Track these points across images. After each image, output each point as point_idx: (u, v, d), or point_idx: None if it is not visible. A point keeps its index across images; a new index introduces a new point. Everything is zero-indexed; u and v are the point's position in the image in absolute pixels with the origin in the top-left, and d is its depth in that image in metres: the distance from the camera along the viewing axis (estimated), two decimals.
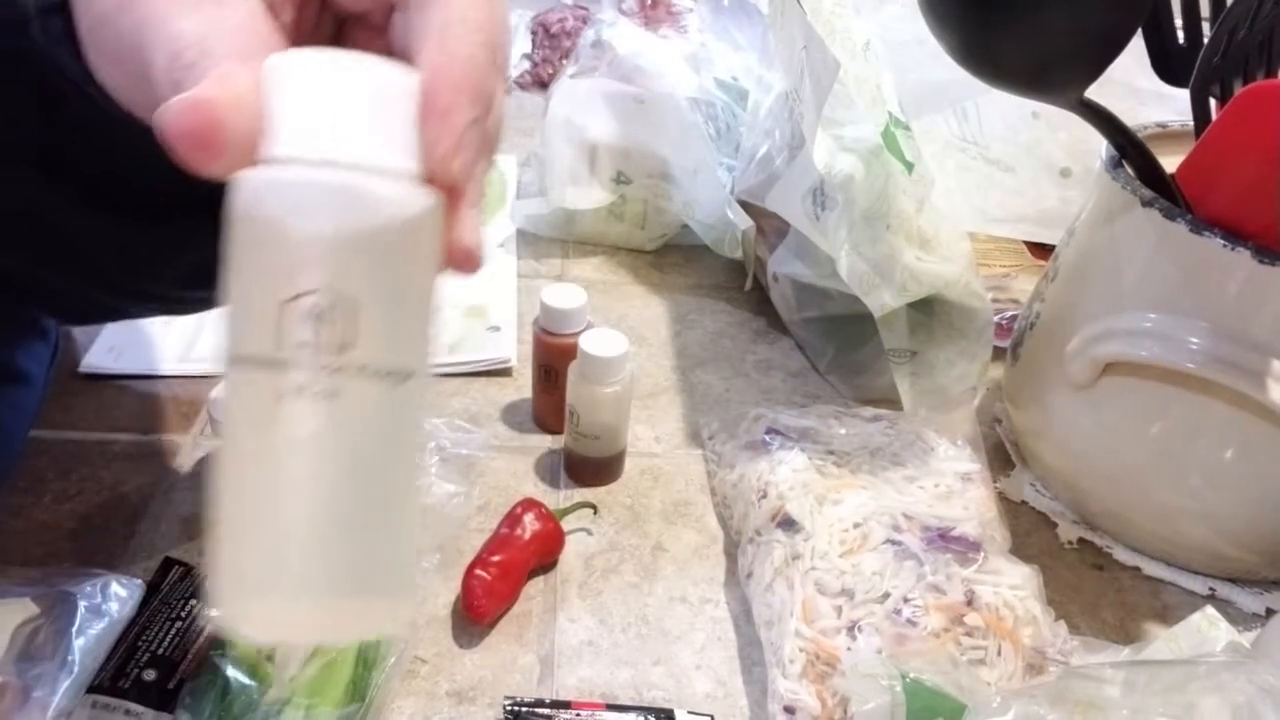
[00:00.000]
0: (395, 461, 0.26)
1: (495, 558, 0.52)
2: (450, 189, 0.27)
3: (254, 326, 0.24)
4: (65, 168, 0.38)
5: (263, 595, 0.24)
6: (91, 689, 0.44)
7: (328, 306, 0.24)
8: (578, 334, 0.58)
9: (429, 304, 0.27)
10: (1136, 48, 0.49)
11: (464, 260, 0.30)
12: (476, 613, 0.50)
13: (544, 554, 0.54)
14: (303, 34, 0.32)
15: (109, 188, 0.38)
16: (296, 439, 0.24)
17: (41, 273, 0.44)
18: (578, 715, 0.46)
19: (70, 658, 0.44)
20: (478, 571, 0.51)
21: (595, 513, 0.58)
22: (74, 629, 0.45)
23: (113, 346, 0.68)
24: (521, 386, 0.68)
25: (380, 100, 0.24)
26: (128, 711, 0.44)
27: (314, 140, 0.24)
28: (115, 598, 0.47)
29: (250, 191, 0.24)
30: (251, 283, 0.24)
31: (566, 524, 0.55)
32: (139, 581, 0.49)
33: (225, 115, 0.24)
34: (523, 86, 1.13)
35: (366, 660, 0.46)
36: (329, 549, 0.24)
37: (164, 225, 0.40)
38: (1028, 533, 0.60)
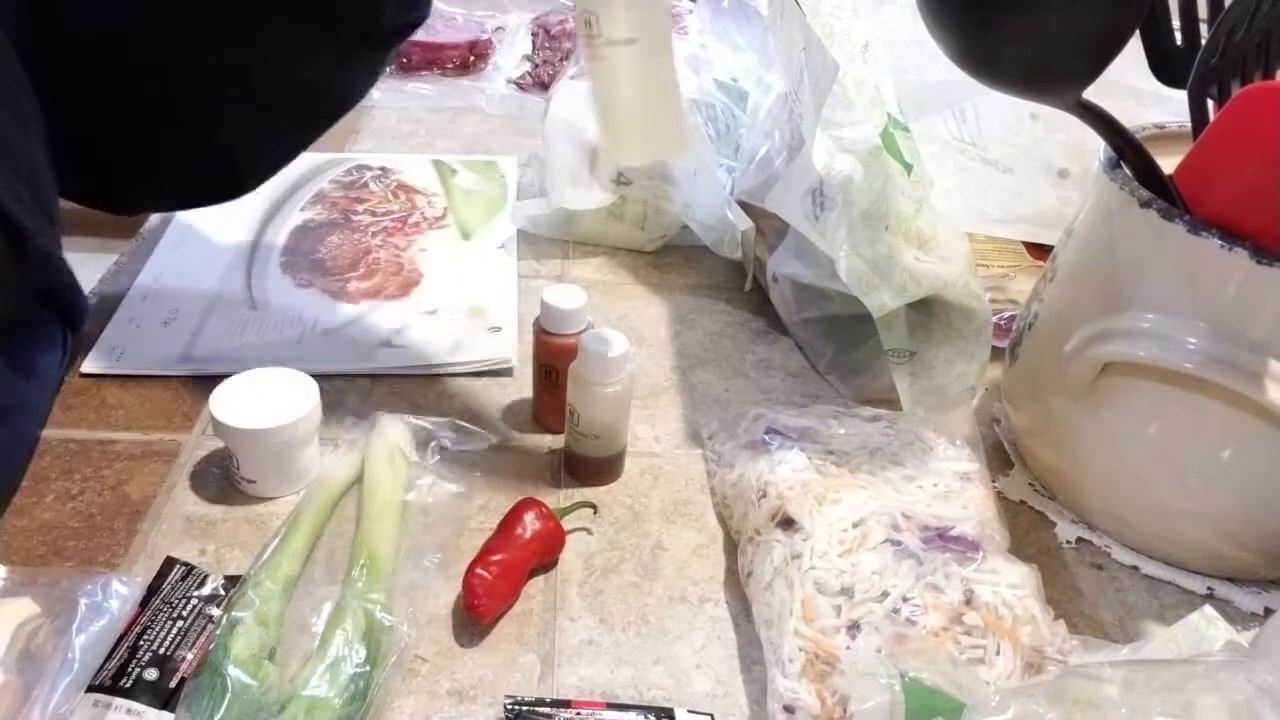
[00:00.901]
0: (651, 78, 0.51)
1: (496, 557, 0.52)
2: None
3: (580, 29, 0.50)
4: None
5: (626, 140, 0.53)
6: (93, 688, 0.44)
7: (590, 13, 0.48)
8: (578, 334, 0.59)
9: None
10: (1134, 49, 0.49)
11: None
12: (477, 612, 0.50)
13: (544, 553, 0.54)
14: None
15: None
16: (606, 73, 0.51)
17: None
18: (578, 714, 0.46)
19: (70, 656, 0.45)
20: (478, 571, 0.51)
21: (595, 512, 0.58)
22: (74, 628, 0.46)
23: (115, 346, 0.68)
24: (522, 386, 0.68)
25: None
26: (129, 710, 0.44)
27: None
28: (116, 596, 0.48)
29: None
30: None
31: (567, 523, 0.55)
32: (139, 580, 0.49)
33: None
34: (523, 88, 1.14)
35: (368, 659, 0.47)
36: (645, 116, 0.52)
37: None
38: (1026, 532, 0.60)
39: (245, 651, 0.46)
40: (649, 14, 0.48)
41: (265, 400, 0.56)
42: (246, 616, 0.48)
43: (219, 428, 0.55)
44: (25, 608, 0.46)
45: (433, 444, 0.60)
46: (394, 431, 0.59)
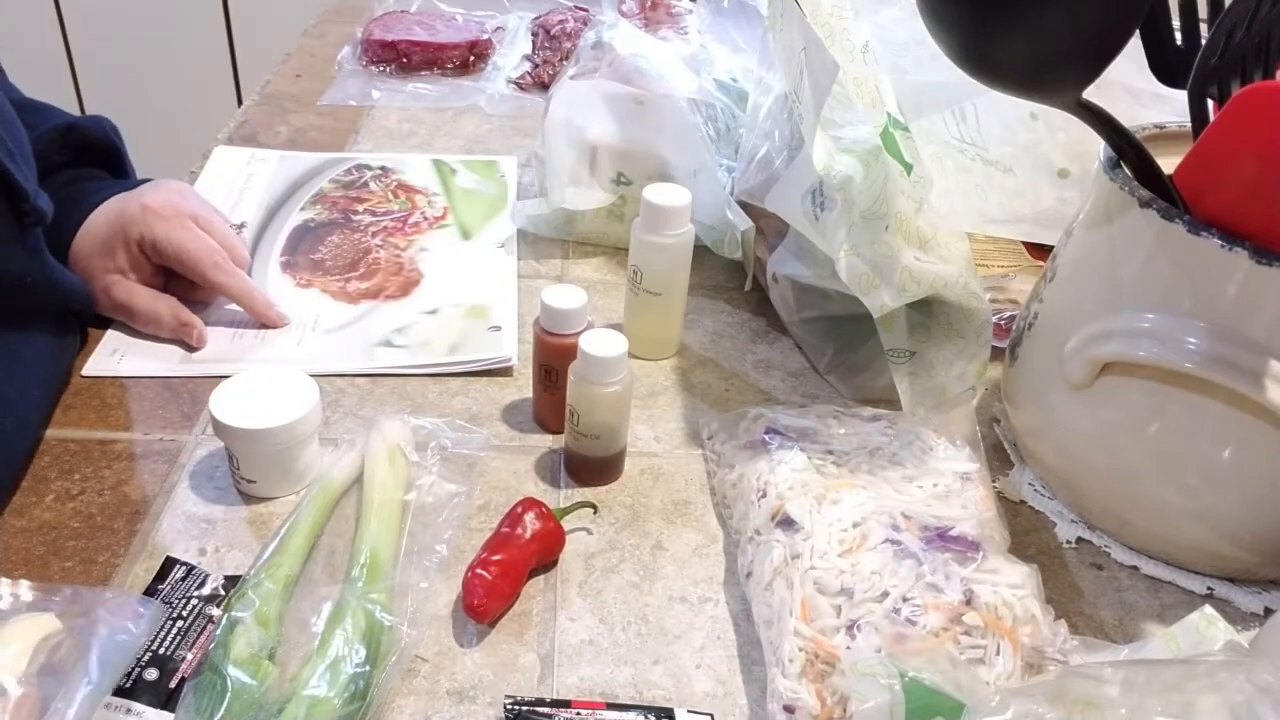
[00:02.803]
0: (666, 315, 0.71)
1: (496, 557, 0.52)
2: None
3: None
4: None
5: (643, 345, 0.69)
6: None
7: None
8: (578, 334, 0.59)
9: None
10: (1134, 49, 0.49)
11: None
12: (478, 612, 0.50)
13: (545, 553, 0.54)
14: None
15: None
16: (641, 307, 0.70)
17: None
18: (578, 714, 0.46)
19: (89, 670, 0.44)
20: (479, 571, 0.51)
21: (595, 512, 0.58)
22: (94, 644, 0.45)
23: (115, 348, 0.68)
24: (522, 386, 0.68)
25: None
26: (129, 710, 0.44)
27: None
28: (135, 616, 0.47)
29: None
30: None
31: (567, 523, 0.55)
32: (162, 604, 0.49)
33: None
34: (523, 88, 1.14)
35: (368, 659, 0.47)
36: (657, 334, 0.72)
37: None
38: (1026, 532, 0.60)
39: (245, 651, 0.46)
40: (672, 279, 0.69)
41: (265, 400, 0.56)
42: (246, 616, 0.48)
43: (219, 428, 0.55)
44: (48, 623, 0.46)
45: (433, 444, 0.60)
46: (394, 431, 0.59)
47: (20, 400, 0.59)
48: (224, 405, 0.55)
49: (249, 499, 0.58)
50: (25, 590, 0.48)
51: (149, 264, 0.68)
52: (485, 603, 0.50)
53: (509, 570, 0.52)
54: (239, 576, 0.51)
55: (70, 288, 0.64)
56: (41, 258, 0.61)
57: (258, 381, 0.57)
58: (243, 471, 0.57)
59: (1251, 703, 0.36)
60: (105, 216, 0.68)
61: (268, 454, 0.56)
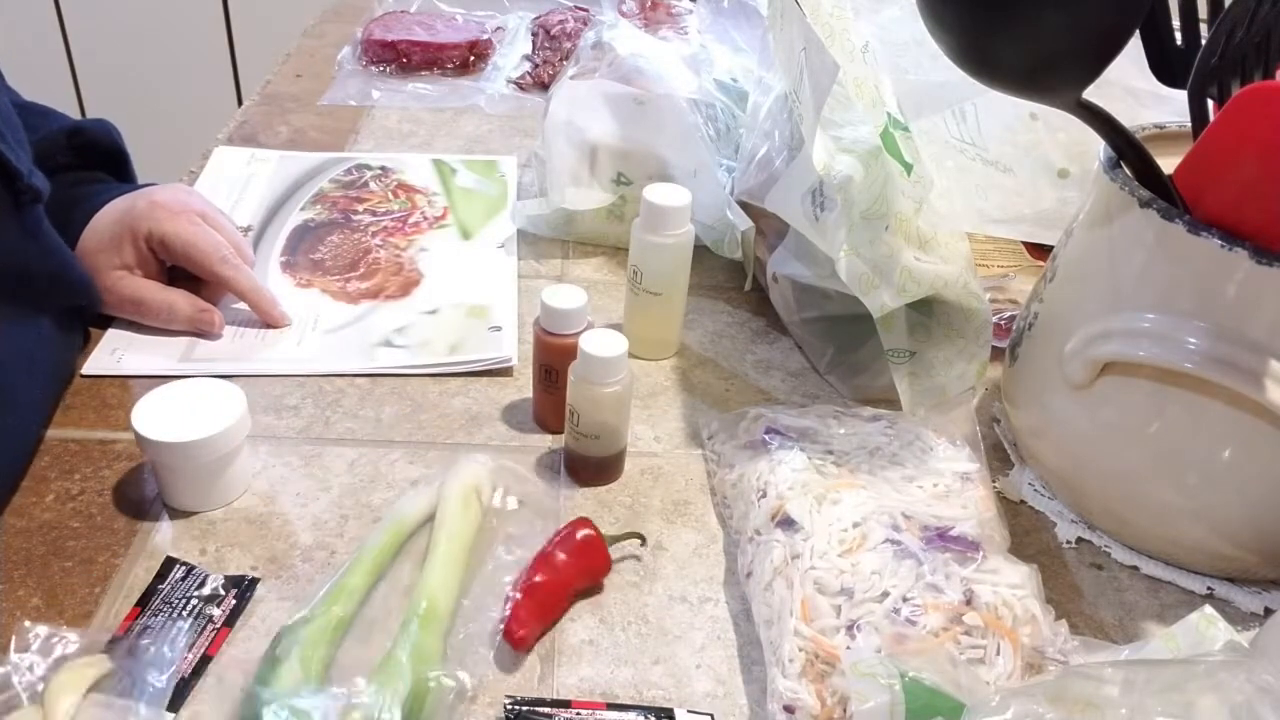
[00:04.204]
0: (665, 315, 0.72)
1: (538, 577, 0.51)
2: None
3: None
4: None
5: (643, 345, 0.72)
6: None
7: None
8: (578, 334, 0.59)
9: None
10: (1134, 49, 0.49)
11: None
12: (517, 641, 0.49)
13: (589, 579, 0.53)
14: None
15: None
16: (641, 307, 0.71)
17: None
18: (578, 714, 0.46)
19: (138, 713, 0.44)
20: (518, 597, 0.50)
21: (643, 543, 0.56)
22: (136, 690, 0.45)
23: (115, 349, 0.68)
24: (522, 386, 0.68)
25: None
26: (130, 710, 0.44)
27: None
28: (175, 645, 0.47)
29: None
30: None
31: (614, 550, 0.54)
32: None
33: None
34: (523, 88, 1.14)
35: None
36: (656, 334, 0.73)
37: None
38: (1026, 532, 0.60)
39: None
40: (672, 279, 0.69)
41: (192, 412, 0.54)
42: (291, 655, 0.45)
43: (143, 442, 0.53)
44: (99, 665, 0.45)
45: (502, 489, 0.57)
46: (471, 473, 0.56)
47: (21, 396, 0.58)
48: (147, 419, 0.53)
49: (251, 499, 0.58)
50: (70, 634, 0.47)
51: (156, 261, 0.68)
52: (525, 634, 0.49)
53: (550, 597, 0.51)
54: (240, 576, 0.51)
55: (74, 274, 0.64)
56: (39, 239, 0.61)
57: (182, 394, 0.55)
58: (164, 485, 0.56)
59: (1251, 703, 0.36)
60: (112, 214, 0.68)
61: (196, 468, 0.54)
